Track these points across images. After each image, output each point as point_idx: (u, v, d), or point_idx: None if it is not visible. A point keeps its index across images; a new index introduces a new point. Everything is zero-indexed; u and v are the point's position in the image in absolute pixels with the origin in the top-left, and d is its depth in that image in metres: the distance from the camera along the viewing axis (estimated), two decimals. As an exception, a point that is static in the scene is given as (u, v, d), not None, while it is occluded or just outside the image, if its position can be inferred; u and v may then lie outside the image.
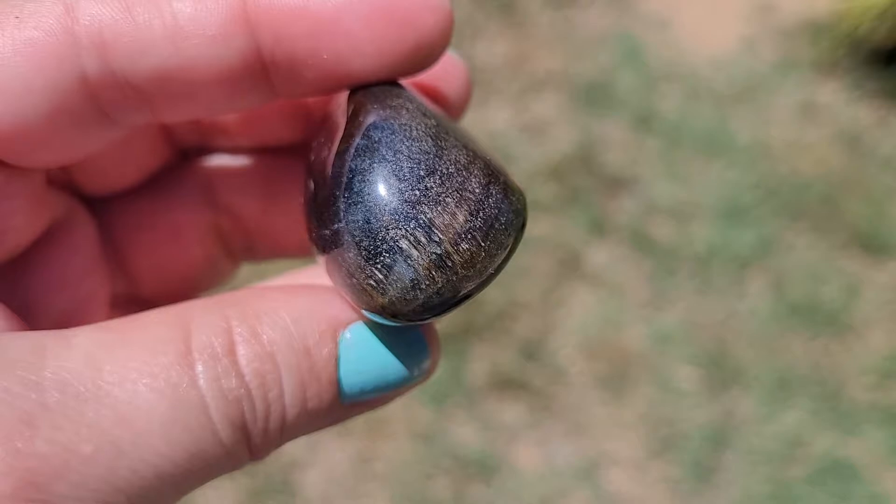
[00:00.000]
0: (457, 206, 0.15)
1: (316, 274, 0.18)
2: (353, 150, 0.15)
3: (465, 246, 0.15)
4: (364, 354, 0.16)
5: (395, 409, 0.87)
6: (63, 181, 0.20)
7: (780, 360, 0.96)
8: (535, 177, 1.07)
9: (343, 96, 0.17)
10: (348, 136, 0.16)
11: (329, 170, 0.16)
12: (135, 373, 0.14)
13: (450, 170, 0.15)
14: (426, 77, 0.18)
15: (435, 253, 0.15)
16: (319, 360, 0.16)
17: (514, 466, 0.88)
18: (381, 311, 0.15)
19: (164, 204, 0.21)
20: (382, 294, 0.15)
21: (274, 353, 0.15)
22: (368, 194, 0.15)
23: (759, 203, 1.09)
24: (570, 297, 0.98)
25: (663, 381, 0.94)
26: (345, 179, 0.15)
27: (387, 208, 0.15)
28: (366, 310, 0.15)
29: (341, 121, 0.17)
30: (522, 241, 0.16)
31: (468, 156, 0.16)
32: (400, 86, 0.17)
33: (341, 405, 0.16)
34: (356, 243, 0.15)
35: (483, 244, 0.15)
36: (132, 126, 0.17)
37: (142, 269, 0.21)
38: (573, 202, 1.06)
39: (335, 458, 0.86)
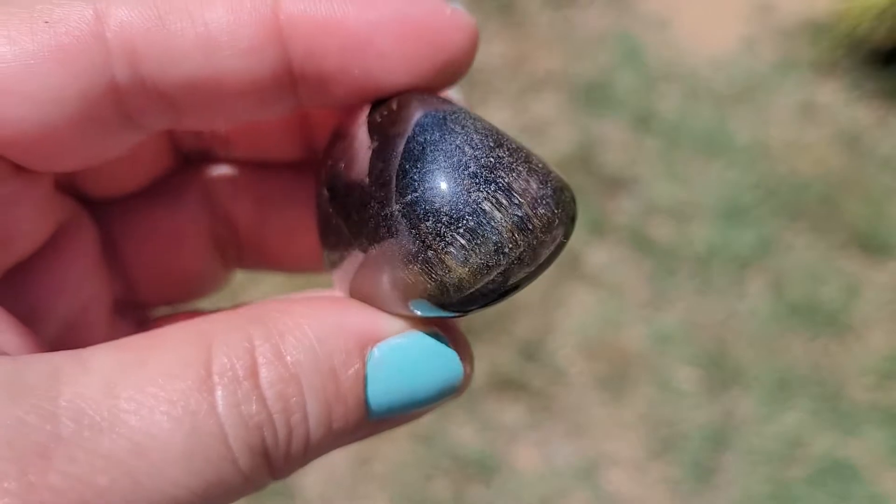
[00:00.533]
0: (528, 175, 0.15)
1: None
2: (411, 130, 0.15)
3: (541, 210, 0.15)
4: (393, 373, 0.16)
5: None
6: (67, 184, 0.20)
7: (780, 361, 0.96)
8: (534, 177, 1.07)
9: (364, 112, 0.17)
10: (394, 127, 0.16)
11: (365, 165, 0.16)
12: (152, 399, 0.13)
13: (514, 145, 0.15)
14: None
15: (517, 215, 0.14)
16: (346, 381, 0.15)
17: (513, 467, 0.87)
18: (452, 289, 0.14)
19: (165, 209, 0.21)
20: (464, 262, 0.14)
21: (298, 374, 0.15)
22: (444, 161, 0.15)
23: (759, 203, 1.08)
24: (569, 298, 0.98)
25: (663, 381, 0.94)
26: (407, 156, 0.15)
27: (466, 172, 0.15)
28: (430, 295, 0.15)
29: (362, 132, 0.17)
30: None
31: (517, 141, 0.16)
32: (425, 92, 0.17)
33: (368, 422, 0.16)
34: (435, 210, 0.14)
35: (556, 211, 0.15)
36: (154, 132, 0.17)
37: (140, 273, 0.21)
38: (572, 202, 1.06)
39: (334, 459, 0.85)
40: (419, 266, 0.15)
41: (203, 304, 0.22)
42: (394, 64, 0.16)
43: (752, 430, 0.91)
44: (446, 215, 0.14)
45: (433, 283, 0.15)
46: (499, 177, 0.15)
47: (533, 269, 0.15)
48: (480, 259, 0.14)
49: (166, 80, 0.15)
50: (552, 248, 0.15)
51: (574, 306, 0.98)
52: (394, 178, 0.15)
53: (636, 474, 0.88)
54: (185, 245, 0.21)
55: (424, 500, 0.85)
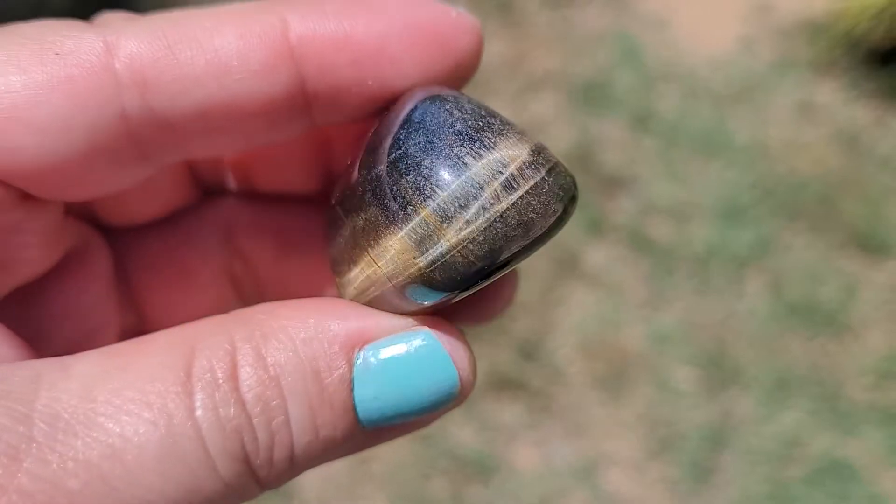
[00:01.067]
0: (519, 142, 0.14)
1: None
2: (409, 107, 0.15)
3: (530, 173, 0.14)
4: (381, 376, 0.15)
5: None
6: (82, 211, 0.20)
7: (779, 361, 0.96)
8: (533, 177, 1.07)
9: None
10: (394, 111, 0.16)
11: (367, 145, 0.16)
12: (130, 402, 0.13)
13: (507, 120, 0.15)
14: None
15: (500, 173, 0.14)
16: (330, 385, 0.15)
17: (512, 467, 0.87)
18: (435, 253, 0.14)
19: (181, 243, 0.21)
20: (443, 217, 0.14)
21: (279, 377, 0.14)
22: (431, 122, 0.14)
23: (757, 203, 1.08)
24: (568, 297, 0.98)
25: (662, 381, 0.94)
26: (401, 126, 0.15)
27: (451, 129, 0.14)
28: (416, 267, 0.14)
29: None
30: None
31: None
32: None
33: (363, 432, 0.15)
34: (416, 165, 0.14)
35: (548, 180, 0.14)
36: (165, 165, 0.16)
37: (152, 304, 0.21)
38: (571, 202, 1.06)
39: (333, 458, 0.85)
40: (401, 226, 0.14)
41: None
42: (406, 69, 0.16)
43: (751, 429, 0.91)
44: (426, 168, 0.14)
45: (415, 246, 0.14)
46: (485, 136, 0.14)
47: (526, 241, 0.14)
48: (460, 213, 0.14)
49: (177, 109, 0.15)
50: (546, 220, 0.14)
51: (573, 306, 0.98)
52: (387, 145, 0.15)
53: (635, 474, 0.88)
54: (198, 279, 0.21)
55: (423, 500, 0.85)
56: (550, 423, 0.90)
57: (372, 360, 0.15)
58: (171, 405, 0.13)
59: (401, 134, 0.15)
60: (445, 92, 0.16)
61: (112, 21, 0.15)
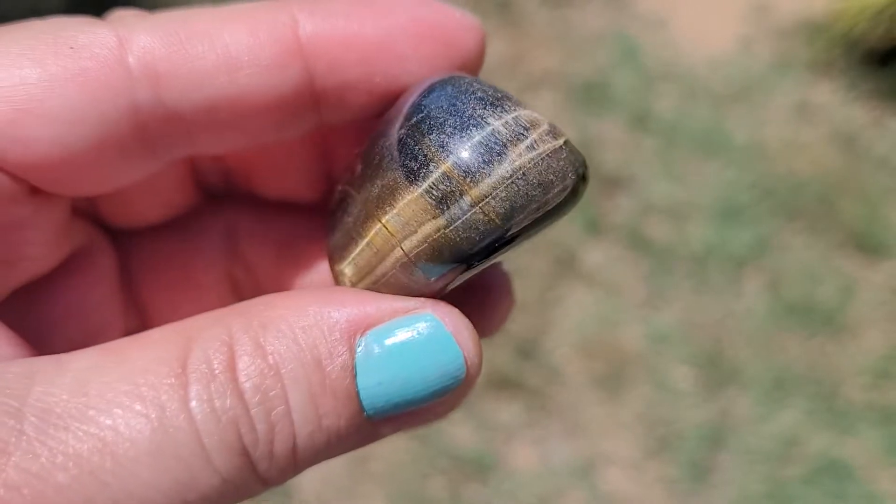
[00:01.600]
0: (535, 115, 0.15)
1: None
2: (425, 86, 0.15)
3: (548, 139, 0.15)
4: (384, 361, 0.14)
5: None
6: (87, 211, 0.20)
7: (777, 360, 0.96)
8: (531, 176, 1.07)
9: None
10: (408, 94, 0.16)
11: (381, 123, 0.16)
12: (123, 396, 0.13)
13: (521, 100, 0.15)
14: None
15: (522, 135, 0.14)
16: (332, 372, 0.14)
17: (510, 466, 0.87)
18: (455, 209, 0.14)
19: (184, 246, 0.21)
20: (466, 173, 0.14)
21: (279, 366, 0.14)
22: (452, 91, 0.15)
23: (756, 203, 1.09)
24: (566, 297, 0.98)
25: (660, 380, 0.94)
26: (419, 97, 0.15)
27: (473, 96, 0.15)
28: (437, 216, 0.14)
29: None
30: None
31: None
32: None
33: (369, 422, 0.15)
34: (440, 124, 0.14)
35: (564, 148, 0.15)
36: (173, 159, 0.17)
37: (155, 307, 0.21)
38: (570, 202, 1.06)
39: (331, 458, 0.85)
40: (421, 184, 0.14)
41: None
42: (412, 66, 0.16)
43: (749, 429, 0.91)
44: (451, 126, 0.14)
45: (435, 204, 0.14)
46: (505, 104, 0.15)
47: (542, 206, 0.14)
48: (483, 168, 0.14)
49: (188, 103, 0.15)
50: (564, 186, 0.14)
51: (571, 305, 0.98)
52: (407, 112, 0.15)
53: (633, 473, 0.88)
54: (200, 284, 0.21)
55: (421, 499, 0.85)
56: (548, 422, 0.90)
57: (374, 345, 0.15)
58: (164, 397, 0.13)
59: (422, 101, 0.15)
60: (460, 73, 0.16)
61: (124, 18, 0.16)
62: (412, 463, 0.86)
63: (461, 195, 0.14)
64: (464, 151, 0.14)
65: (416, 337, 0.15)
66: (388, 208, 0.15)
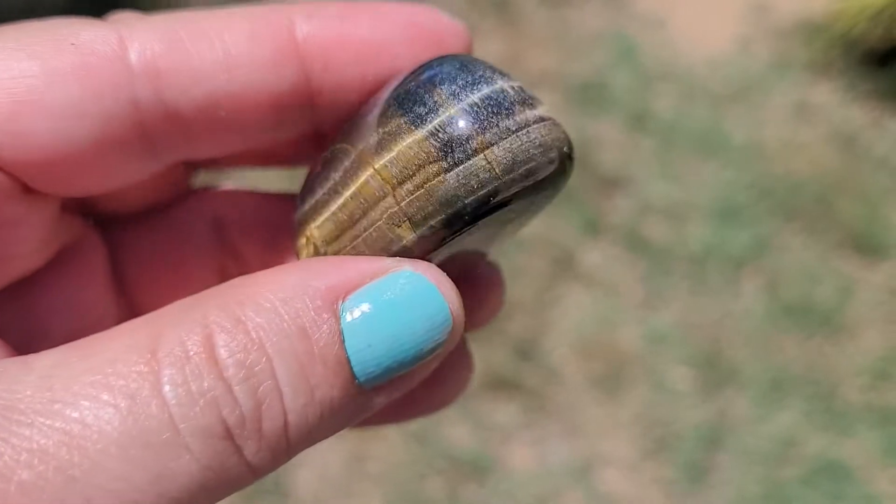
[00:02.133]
0: (531, 90, 0.16)
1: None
2: (429, 62, 0.16)
3: (547, 114, 0.15)
4: (371, 323, 0.14)
5: (389, 408, 0.86)
6: (77, 202, 0.19)
7: (775, 361, 0.96)
8: (529, 176, 1.07)
9: None
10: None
11: (371, 101, 0.17)
12: (90, 387, 0.12)
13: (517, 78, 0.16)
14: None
15: (527, 101, 0.15)
16: (320, 339, 0.14)
17: (507, 466, 0.87)
18: (458, 151, 0.14)
19: (173, 239, 0.21)
20: (475, 119, 0.14)
21: (262, 339, 0.13)
22: (461, 56, 0.16)
23: (754, 203, 1.09)
24: (564, 297, 0.98)
25: (657, 381, 0.94)
26: (424, 63, 0.16)
27: (480, 64, 0.15)
28: (440, 159, 0.14)
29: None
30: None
31: None
32: None
33: (361, 389, 0.14)
34: (452, 78, 0.15)
35: (558, 124, 0.16)
36: (170, 162, 0.17)
37: (146, 301, 0.21)
38: (567, 201, 1.05)
39: (328, 457, 0.85)
40: (427, 125, 0.14)
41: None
42: (405, 65, 0.17)
43: (747, 429, 0.91)
44: (462, 80, 0.15)
45: (439, 147, 0.14)
46: (503, 76, 0.15)
47: (532, 181, 0.15)
48: (492, 117, 0.14)
49: (187, 101, 0.15)
50: (559, 155, 0.15)
51: (569, 306, 0.98)
52: (417, 71, 0.16)
53: (630, 474, 0.88)
54: (190, 275, 0.21)
55: (419, 500, 0.85)
56: (546, 422, 0.90)
57: (359, 307, 0.14)
58: (135, 385, 0.12)
59: (433, 62, 0.16)
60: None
61: (125, 18, 0.16)
62: (410, 463, 0.86)
63: (468, 139, 0.14)
64: (475, 98, 0.15)
65: (399, 292, 0.14)
66: (385, 153, 0.15)
